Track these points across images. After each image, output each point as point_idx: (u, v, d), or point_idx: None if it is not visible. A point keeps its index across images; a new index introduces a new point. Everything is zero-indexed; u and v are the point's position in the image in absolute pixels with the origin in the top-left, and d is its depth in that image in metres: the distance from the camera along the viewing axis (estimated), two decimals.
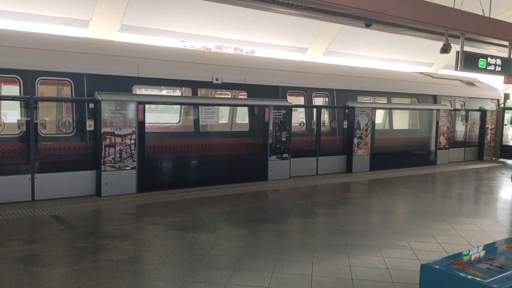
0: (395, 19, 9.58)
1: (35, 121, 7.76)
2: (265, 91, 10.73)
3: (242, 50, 23.78)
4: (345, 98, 12.14)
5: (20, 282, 4.38)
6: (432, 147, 14.13)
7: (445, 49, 10.98)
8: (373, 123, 12.29)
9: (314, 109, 11.64)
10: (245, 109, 11.02)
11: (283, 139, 10.41)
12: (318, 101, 12.56)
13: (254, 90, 10.61)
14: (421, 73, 16.33)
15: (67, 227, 6.26)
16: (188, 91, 10.25)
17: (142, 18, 12.90)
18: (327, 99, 12.29)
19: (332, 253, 5.52)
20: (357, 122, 11.84)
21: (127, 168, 8.39)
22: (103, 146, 8.12)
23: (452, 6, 10.69)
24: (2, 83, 8.98)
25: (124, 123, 8.30)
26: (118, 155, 8.26)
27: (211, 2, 9.02)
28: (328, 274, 4.84)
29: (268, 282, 4.57)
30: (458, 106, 15.70)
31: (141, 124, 8.52)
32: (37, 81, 7.99)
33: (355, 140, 11.89)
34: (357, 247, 5.75)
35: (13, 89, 8.34)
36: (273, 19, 13.47)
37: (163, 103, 11.37)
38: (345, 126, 11.96)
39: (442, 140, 14.22)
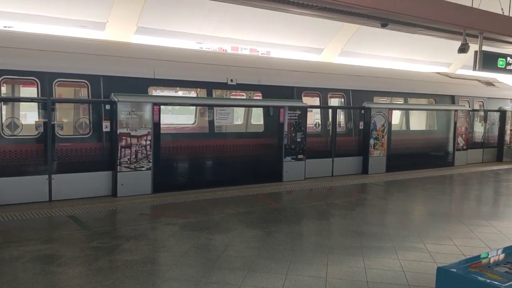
0: (411, 19, 9.47)
1: (52, 123, 7.88)
2: (280, 92, 10.70)
3: (258, 51, 23.78)
4: (361, 99, 12.04)
5: (37, 282, 4.44)
6: (450, 148, 13.93)
7: (462, 49, 10.81)
8: (390, 124, 12.17)
9: (330, 110, 11.58)
10: (260, 110, 11.01)
11: (298, 140, 10.37)
12: (334, 101, 12.49)
13: (269, 91, 10.59)
14: (438, 73, 16.13)
15: (84, 227, 6.33)
16: (203, 92, 10.29)
17: (158, 20, 12.98)
18: (343, 99, 12.21)
19: (347, 255, 5.47)
20: (373, 123, 11.74)
21: (143, 169, 8.45)
22: (119, 147, 8.19)
23: (470, 5, 10.53)
24: (21, 85, 9.13)
25: (140, 124, 8.37)
26: (134, 156, 8.33)
27: (226, 4, 9.04)
28: (343, 277, 4.80)
29: (282, 284, 4.55)
30: (476, 107, 15.46)
31: (156, 125, 8.59)
32: (54, 82, 8.10)
33: (371, 141, 11.79)
34: (372, 249, 5.69)
35: (31, 91, 8.47)
36: (288, 20, 13.44)
37: (178, 104, 11.42)
38: (361, 127, 11.86)
39: (460, 141, 14.01)
